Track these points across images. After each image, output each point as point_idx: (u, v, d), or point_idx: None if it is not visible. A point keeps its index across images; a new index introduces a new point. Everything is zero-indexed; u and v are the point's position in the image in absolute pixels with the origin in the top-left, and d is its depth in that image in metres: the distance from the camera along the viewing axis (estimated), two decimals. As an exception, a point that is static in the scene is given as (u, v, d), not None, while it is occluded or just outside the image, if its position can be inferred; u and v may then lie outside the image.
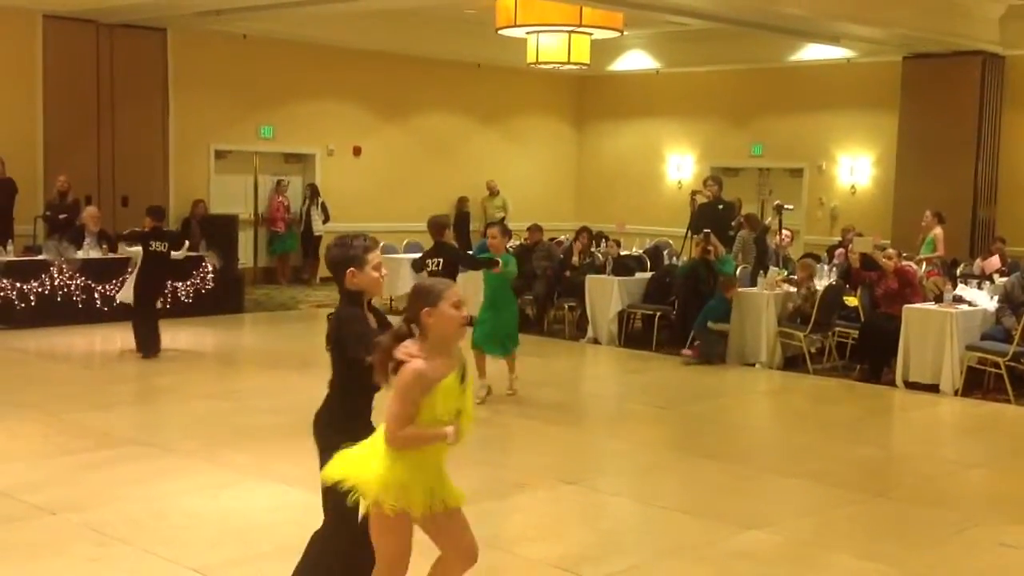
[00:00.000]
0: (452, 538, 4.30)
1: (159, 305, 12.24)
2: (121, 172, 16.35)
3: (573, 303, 13.83)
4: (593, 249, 14.49)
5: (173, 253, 11.63)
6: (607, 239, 14.34)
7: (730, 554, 6.00)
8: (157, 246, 11.42)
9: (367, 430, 4.27)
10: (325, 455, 4.29)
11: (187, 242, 12.34)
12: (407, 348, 4.02)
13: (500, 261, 9.29)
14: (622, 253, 14.40)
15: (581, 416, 9.84)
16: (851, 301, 11.97)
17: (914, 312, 10.76)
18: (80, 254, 13.49)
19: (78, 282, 13.34)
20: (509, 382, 9.77)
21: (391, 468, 4.00)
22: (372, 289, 4.50)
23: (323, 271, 18.83)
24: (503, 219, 19.47)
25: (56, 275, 13.18)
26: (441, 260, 9.10)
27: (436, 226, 9.30)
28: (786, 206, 13.50)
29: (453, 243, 9.60)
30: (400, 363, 3.99)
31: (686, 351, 12.11)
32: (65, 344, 12.14)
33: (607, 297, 13.06)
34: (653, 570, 5.70)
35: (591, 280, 13.31)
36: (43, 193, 15.50)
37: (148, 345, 11.45)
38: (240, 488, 6.94)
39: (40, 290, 12.99)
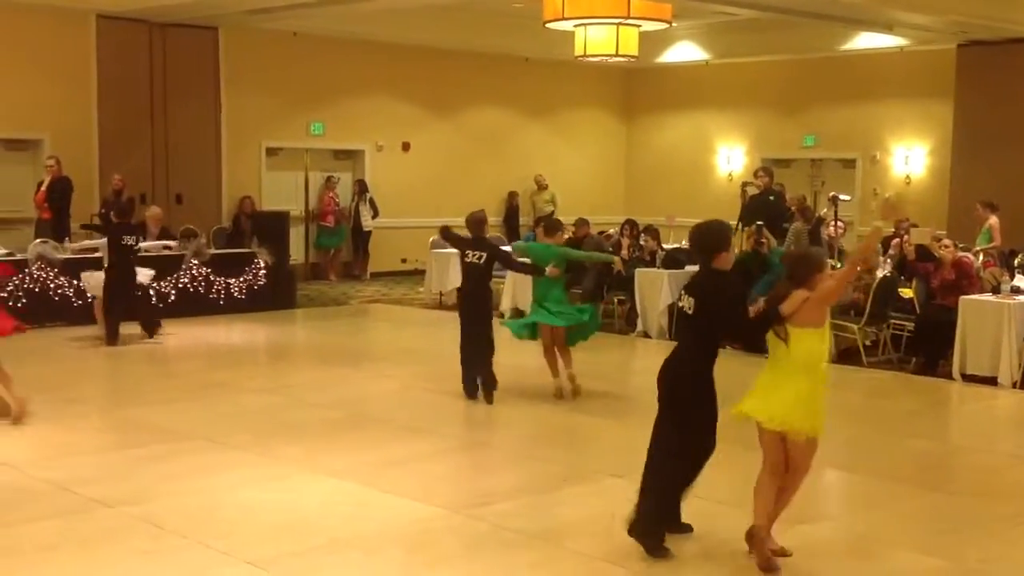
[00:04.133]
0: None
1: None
2: (175, 170, 16.57)
3: (623, 296, 13.77)
4: (642, 242, 14.40)
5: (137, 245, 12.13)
6: (648, 231, 14.18)
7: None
8: (128, 240, 11.88)
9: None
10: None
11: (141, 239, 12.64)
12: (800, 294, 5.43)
13: (543, 268, 9.27)
14: (666, 246, 14.29)
15: (630, 410, 9.78)
16: (906, 293, 11.80)
17: (971, 303, 10.58)
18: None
19: (133, 279, 13.50)
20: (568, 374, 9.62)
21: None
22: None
23: (373, 266, 18.93)
24: (552, 213, 19.46)
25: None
26: (484, 255, 9.22)
27: (476, 222, 9.43)
28: (842, 196, 13.32)
29: (490, 239, 9.78)
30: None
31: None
32: (120, 340, 12.28)
33: (657, 290, 12.99)
34: (704, 564, 5.66)
35: (640, 273, 13.25)
36: (99, 191, 15.75)
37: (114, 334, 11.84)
38: (292, 481, 7.00)
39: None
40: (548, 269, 9.21)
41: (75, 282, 12.95)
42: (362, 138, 19.06)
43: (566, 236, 10.02)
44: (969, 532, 6.32)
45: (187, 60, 16.54)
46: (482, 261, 9.20)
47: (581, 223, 14.68)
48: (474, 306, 9.32)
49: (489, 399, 9.23)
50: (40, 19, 15.30)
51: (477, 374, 9.27)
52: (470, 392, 9.34)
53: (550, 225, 9.85)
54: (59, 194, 14.52)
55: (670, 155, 21.70)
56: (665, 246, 14.54)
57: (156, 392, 9.78)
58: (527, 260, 9.68)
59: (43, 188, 14.56)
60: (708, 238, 5.73)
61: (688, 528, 6.00)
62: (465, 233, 9.63)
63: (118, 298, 11.95)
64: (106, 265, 12.00)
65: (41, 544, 5.80)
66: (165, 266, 13.75)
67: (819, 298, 5.46)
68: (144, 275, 12.46)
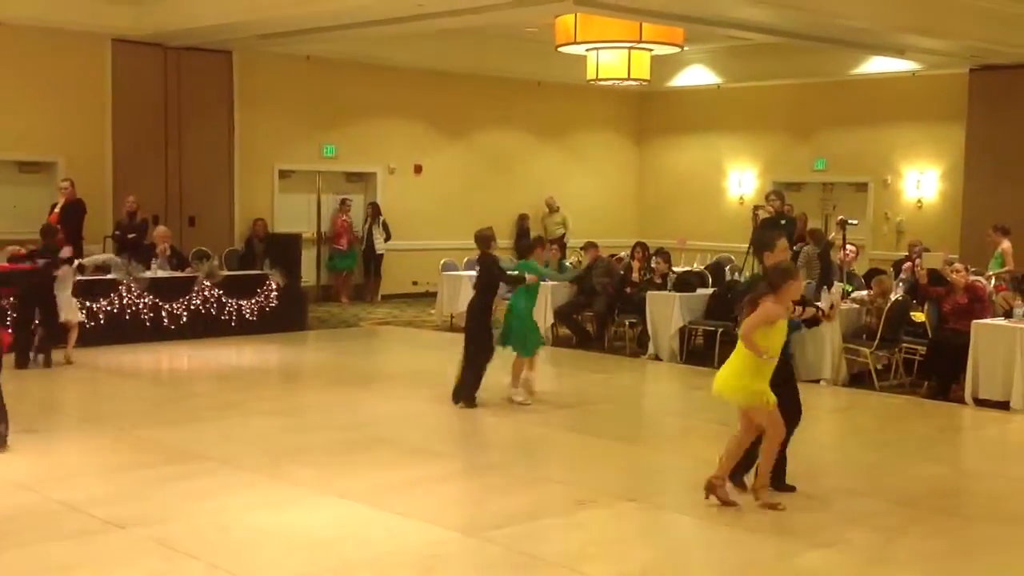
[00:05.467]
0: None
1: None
2: (188, 192, 16.67)
3: (634, 319, 13.77)
4: (653, 265, 14.41)
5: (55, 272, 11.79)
6: (659, 254, 14.17)
7: (797, 572, 5.93)
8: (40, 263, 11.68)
9: None
10: None
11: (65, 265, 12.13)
12: (768, 300, 6.72)
13: (526, 276, 9.99)
14: (675, 269, 14.28)
15: (642, 433, 9.79)
16: (918, 317, 11.78)
17: (983, 327, 10.56)
18: (148, 273, 13.73)
19: (146, 300, 13.57)
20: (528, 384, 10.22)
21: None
22: None
23: (385, 288, 18.97)
24: (563, 235, 19.50)
25: (125, 294, 13.42)
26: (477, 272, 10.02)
27: (478, 239, 10.11)
28: (850, 221, 13.34)
29: (495, 256, 10.22)
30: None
31: None
32: (133, 361, 12.35)
33: (668, 313, 12.98)
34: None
35: (652, 296, 13.24)
36: (112, 213, 15.84)
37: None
38: (304, 503, 7.00)
39: (109, 309, 13.23)
40: (528, 277, 9.94)
41: (88, 303, 12.97)
42: (374, 161, 19.13)
43: (541, 251, 10.72)
44: (981, 558, 6.29)
45: (201, 83, 16.66)
46: (475, 280, 10.02)
47: (590, 246, 14.69)
48: (468, 319, 10.16)
49: (465, 399, 9.85)
50: (55, 43, 15.43)
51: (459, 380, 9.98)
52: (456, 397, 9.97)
53: (527, 246, 11.05)
54: (73, 216, 14.60)
55: (682, 178, 21.73)
56: (676, 269, 14.54)
57: (169, 413, 9.81)
58: (513, 273, 10.27)
59: (57, 210, 14.63)
60: (756, 244, 7.92)
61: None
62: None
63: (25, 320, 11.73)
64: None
65: (55, 565, 5.81)
66: (177, 288, 13.85)
67: (754, 315, 6.70)
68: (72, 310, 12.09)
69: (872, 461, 8.61)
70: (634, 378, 12.45)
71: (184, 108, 16.56)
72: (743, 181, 20.99)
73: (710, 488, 6.94)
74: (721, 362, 12.35)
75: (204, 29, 15.28)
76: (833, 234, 13.89)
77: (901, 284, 12.85)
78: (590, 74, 16.17)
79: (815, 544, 6.36)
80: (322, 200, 18.95)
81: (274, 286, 14.76)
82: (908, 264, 13.33)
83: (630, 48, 15.47)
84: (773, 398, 6.73)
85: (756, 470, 6.98)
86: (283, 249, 15.50)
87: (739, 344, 6.79)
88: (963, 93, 17.24)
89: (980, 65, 16.71)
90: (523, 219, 20.34)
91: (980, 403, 10.47)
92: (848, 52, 17.34)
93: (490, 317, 10.13)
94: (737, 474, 7.13)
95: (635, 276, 14.07)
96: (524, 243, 11.22)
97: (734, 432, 7.01)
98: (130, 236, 15.10)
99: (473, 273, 15.66)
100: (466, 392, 9.86)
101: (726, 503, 6.89)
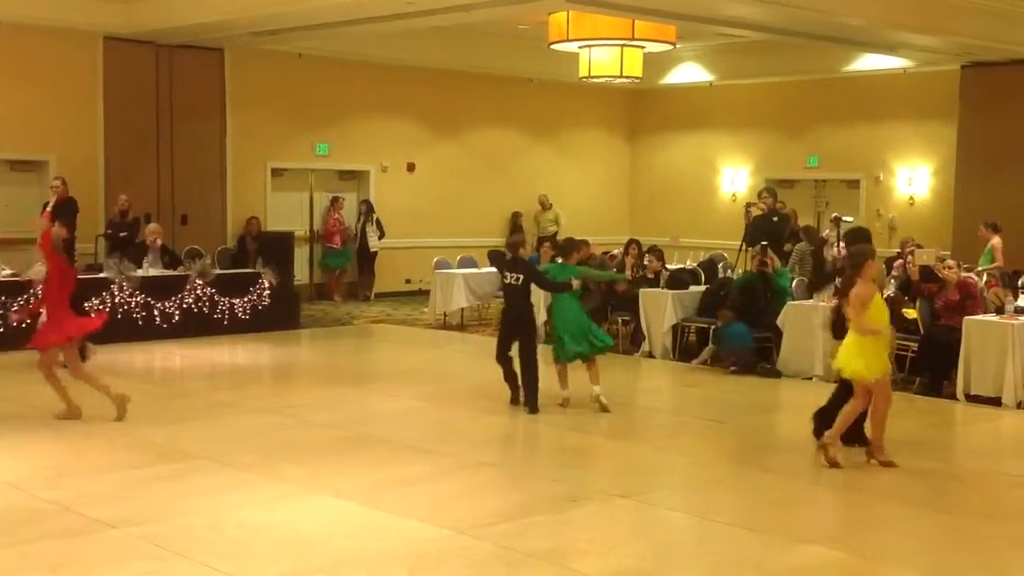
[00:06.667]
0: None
1: None
2: (180, 190, 16.65)
3: (627, 316, 13.77)
4: (646, 262, 14.40)
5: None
6: (652, 251, 14.15)
7: (788, 569, 5.93)
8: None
9: None
10: None
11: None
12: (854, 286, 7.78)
13: (573, 284, 10.00)
14: (668, 266, 14.28)
15: (635, 430, 9.79)
16: (910, 313, 11.78)
17: (975, 324, 10.58)
18: (140, 272, 13.71)
19: (138, 299, 13.55)
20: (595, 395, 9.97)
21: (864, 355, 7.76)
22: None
23: (378, 287, 18.96)
24: (555, 233, 19.49)
25: (117, 293, 13.40)
26: (521, 276, 9.82)
27: (513, 245, 10.29)
28: (844, 218, 13.35)
29: (526, 261, 10.29)
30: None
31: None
32: (126, 361, 12.31)
33: (661, 311, 13.00)
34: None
35: (645, 294, 13.26)
36: (104, 212, 15.81)
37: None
38: (296, 502, 7.00)
39: (101, 308, 13.20)
40: (574, 282, 9.95)
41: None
42: (367, 159, 19.11)
43: (578, 254, 10.67)
44: (973, 553, 6.30)
45: (193, 81, 16.63)
46: (519, 282, 9.80)
47: (583, 244, 14.63)
48: (519, 319, 9.89)
49: (531, 405, 9.68)
50: (48, 41, 15.39)
51: (518, 377, 9.85)
52: (515, 390, 9.88)
53: (564, 248, 10.70)
54: (65, 215, 14.53)
55: (674, 175, 21.75)
56: (669, 266, 14.54)
57: (161, 412, 9.79)
58: (556, 279, 10.19)
59: (49, 209, 14.57)
60: (849, 236, 9.31)
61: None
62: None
63: None
64: None
65: (45, 565, 5.80)
66: (169, 286, 13.83)
67: (850, 303, 7.75)
68: None
69: (863, 457, 8.61)
70: (627, 375, 12.45)
71: (176, 106, 16.54)
72: (736, 178, 21.01)
73: (870, 454, 8.02)
74: (714, 360, 12.53)
75: (196, 27, 15.26)
76: (827, 231, 13.90)
77: (893, 281, 12.85)
78: (582, 71, 16.18)
79: (807, 540, 6.37)
80: (315, 198, 18.92)
81: (267, 284, 14.74)
82: (900, 261, 13.34)
83: (622, 45, 15.48)
84: (883, 371, 7.83)
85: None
86: (276, 247, 15.47)
87: (851, 325, 7.77)
88: (954, 90, 17.27)
89: (971, 62, 16.75)
90: (516, 217, 20.33)
91: (972, 399, 10.50)
92: (840, 49, 17.37)
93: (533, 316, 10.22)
94: (854, 439, 8.16)
95: (628, 273, 14.06)
96: (563, 244, 11.00)
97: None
98: (122, 235, 15.07)
99: (468, 271, 15.85)
100: (528, 399, 9.79)
101: (886, 463, 7.94)
